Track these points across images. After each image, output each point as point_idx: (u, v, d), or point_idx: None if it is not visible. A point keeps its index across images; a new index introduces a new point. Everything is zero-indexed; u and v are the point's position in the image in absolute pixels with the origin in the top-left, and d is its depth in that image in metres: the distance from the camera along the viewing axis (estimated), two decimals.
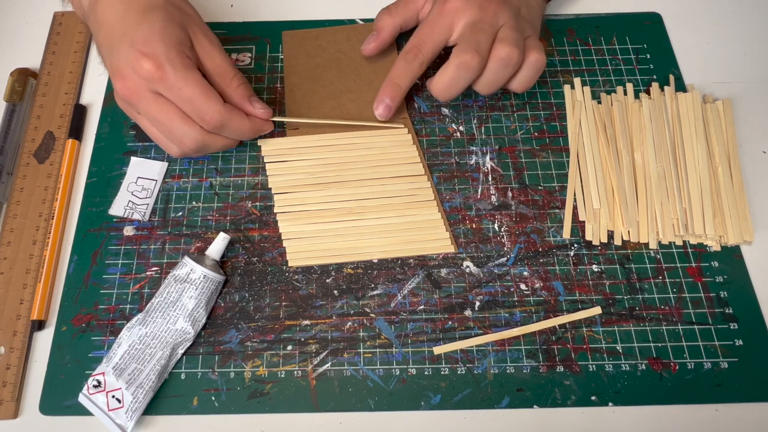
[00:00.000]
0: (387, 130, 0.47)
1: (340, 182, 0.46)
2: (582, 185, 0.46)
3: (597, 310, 0.41)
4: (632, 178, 0.45)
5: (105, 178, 0.47)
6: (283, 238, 0.44)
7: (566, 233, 0.44)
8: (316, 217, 0.45)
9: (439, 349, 0.41)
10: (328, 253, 0.43)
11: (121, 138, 0.48)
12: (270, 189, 0.46)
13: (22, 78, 0.50)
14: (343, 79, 0.50)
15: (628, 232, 0.44)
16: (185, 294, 0.40)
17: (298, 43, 0.52)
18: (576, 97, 0.49)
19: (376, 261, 0.44)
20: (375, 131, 0.47)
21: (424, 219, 0.44)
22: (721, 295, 0.42)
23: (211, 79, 0.42)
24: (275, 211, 0.45)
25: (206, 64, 0.42)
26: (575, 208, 0.45)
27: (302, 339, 0.41)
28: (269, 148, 0.47)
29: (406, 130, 0.47)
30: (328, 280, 0.43)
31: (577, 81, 0.50)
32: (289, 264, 0.43)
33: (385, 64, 0.50)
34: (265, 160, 0.47)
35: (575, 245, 0.44)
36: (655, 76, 0.50)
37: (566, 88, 0.50)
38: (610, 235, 0.44)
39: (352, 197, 0.45)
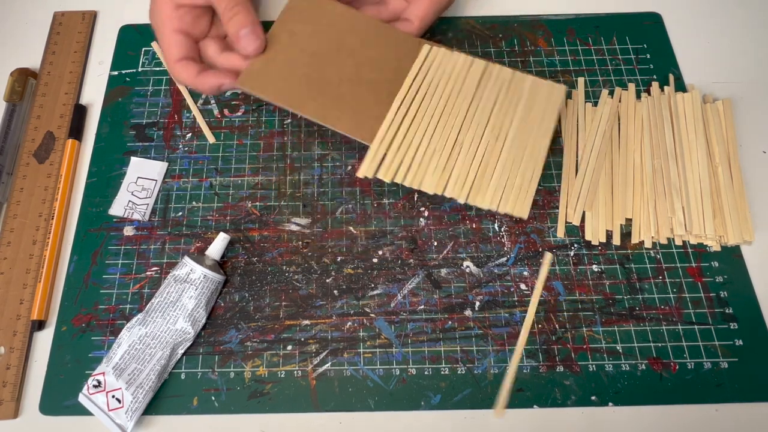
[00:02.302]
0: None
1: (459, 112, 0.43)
2: (582, 183, 0.46)
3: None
4: (630, 178, 0.45)
5: (105, 178, 0.47)
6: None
7: (560, 232, 0.44)
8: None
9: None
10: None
11: (121, 138, 0.48)
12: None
13: (22, 78, 0.50)
14: (339, 69, 0.44)
15: (627, 232, 0.44)
16: (185, 294, 0.40)
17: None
18: (573, 96, 0.49)
19: (376, 261, 0.44)
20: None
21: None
22: (721, 295, 0.42)
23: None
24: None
25: None
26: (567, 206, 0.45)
27: (302, 339, 0.41)
28: None
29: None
30: (328, 280, 0.43)
31: (580, 81, 0.50)
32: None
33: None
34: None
35: (575, 245, 0.44)
36: (655, 76, 0.50)
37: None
38: (609, 235, 0.44)
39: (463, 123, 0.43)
